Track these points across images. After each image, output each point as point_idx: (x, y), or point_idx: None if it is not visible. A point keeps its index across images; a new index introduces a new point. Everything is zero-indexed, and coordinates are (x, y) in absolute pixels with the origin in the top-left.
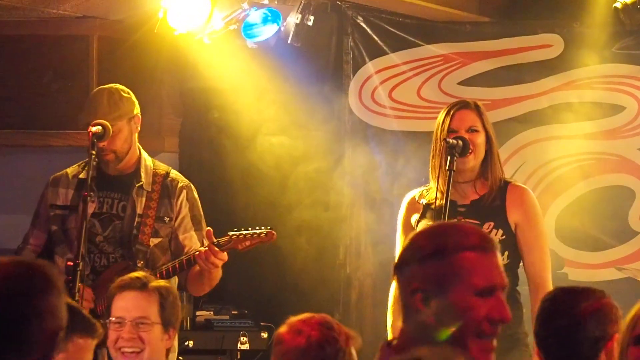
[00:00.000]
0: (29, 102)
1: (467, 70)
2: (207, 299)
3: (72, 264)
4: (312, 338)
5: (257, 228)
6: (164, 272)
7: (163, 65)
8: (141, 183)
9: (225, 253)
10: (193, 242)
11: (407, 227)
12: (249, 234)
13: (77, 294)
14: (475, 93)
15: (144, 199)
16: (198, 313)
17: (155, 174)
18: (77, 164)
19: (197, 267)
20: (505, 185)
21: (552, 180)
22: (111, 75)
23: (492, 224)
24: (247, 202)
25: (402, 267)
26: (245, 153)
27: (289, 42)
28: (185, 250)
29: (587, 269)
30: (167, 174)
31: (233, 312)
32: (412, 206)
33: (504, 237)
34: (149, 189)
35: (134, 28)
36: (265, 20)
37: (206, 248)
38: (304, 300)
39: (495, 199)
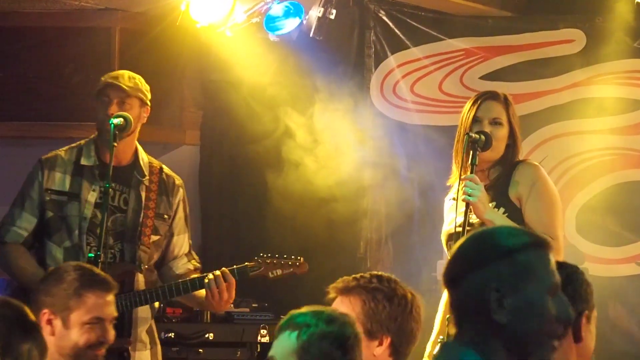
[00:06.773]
0: (50, 94)
1: (489, 64)
2: None
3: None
4: None
5: (289, 257)
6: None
7: (185, 57)
8: (146, 177)
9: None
10: (184, 245)
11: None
12: (280, 261)
13: None
14: (497, 87)
15: (144, 193)
16: None
17: (151, 167)
18: (68, 147)
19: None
20: (515, 164)
21: (574, 175)
22: (133, 67)
23: (495, 202)
24: (267, 195)
25: (459, 277)
26: (266, 146)
27: (311, 35)
28: (175, 252)
29: (608, 264)
30: (161, 168)
31: (253, 305)
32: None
33: (505, 214)
34: (147, 183)
35: (156, 20)
36: (287, 14)
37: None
38: (325, 293)
39: (501, 179)
